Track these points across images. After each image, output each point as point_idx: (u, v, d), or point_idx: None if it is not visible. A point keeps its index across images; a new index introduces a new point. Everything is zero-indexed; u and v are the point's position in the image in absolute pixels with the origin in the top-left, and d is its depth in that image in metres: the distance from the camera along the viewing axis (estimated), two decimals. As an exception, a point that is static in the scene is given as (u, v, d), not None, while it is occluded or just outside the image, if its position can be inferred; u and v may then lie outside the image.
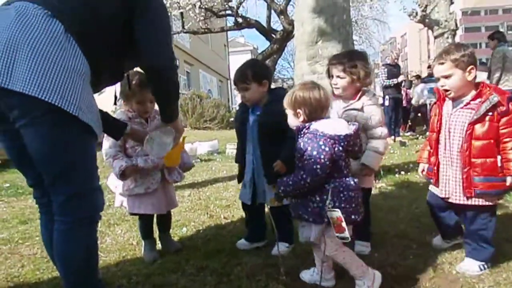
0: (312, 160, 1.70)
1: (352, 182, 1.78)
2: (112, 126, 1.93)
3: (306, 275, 2.02)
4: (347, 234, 1.74)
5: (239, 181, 2.50)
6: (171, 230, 2.64)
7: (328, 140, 1.72)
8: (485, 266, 1.98)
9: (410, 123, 9.47)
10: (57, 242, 1.47)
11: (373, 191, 3.62)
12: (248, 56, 34.36)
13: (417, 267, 2.06)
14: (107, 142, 2.19)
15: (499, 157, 1.90)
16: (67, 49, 1.32)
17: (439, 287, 1.84)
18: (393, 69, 7.76)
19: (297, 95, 1.81)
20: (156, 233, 2.52)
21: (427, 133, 2.18)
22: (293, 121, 1.86)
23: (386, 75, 7.62)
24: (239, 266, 2.17)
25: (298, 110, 1.81)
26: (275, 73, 12.58)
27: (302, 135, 1.79)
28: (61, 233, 1.46)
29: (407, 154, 5.97)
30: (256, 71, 2.26)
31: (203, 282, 2.01)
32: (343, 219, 1.74)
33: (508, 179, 1.89)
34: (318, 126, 1.76)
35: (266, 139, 2.24)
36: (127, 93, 2.20)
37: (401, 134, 8.41)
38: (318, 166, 1.69)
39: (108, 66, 1.56)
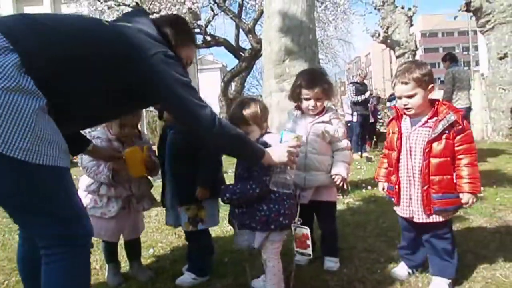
0: (263, 171, 1.79)
1: (291, 191, 1.88)
2: (75, 141, 1.83)
3: (258, 284, 2.05)
4: (309, 251, 1.78)
5: (163, 205, 2.36)
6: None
7: None
8: (452, 283, 2.00)
9: (375, 139, 9.74)
10: (46, 276, 1.34)
11: (341, 207, 3.67)
12: (217, 74, 34.45)
13: (385, 281, 2.08)
14: (85, 156, 2.10)
15: (455, 174, 1.95)
16: (18, 85, 1.21)
17: (406, 301, 1.87)
18: (360, 87, 8.03)
19: (262, 107, 1.99)
20: (121, 256, 2.42)
21: (385, 150, 2.22)
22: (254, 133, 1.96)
23: (354, 92, 7.88)
24: None
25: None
26: (244, 90, 12.63)
27: None
28: (50, 266, 1.33)
29: (373, 169, 6.12)
30: None
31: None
32: (309, 237, 1.76)
33: (460, 195, 1.93)
34: (267, 138, 1.91)
35: (177, 158, 2.18)
36: None
37: (367, 150, 8.62)
38: (268, 177, 1.78)
39: (81, 112, 1.47)
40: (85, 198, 2.18)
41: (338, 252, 2.38)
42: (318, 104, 2.30)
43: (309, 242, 1.79)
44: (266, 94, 4.41)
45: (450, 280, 1.99)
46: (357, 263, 2.34)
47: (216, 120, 1.55)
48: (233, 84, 13.62)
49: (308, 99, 2.30)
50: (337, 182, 2.28)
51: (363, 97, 7.87)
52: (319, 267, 2.30)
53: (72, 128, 1.57)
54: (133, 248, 2.40)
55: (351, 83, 8.52)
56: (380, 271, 2.21)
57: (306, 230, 1.80)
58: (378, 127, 9.50)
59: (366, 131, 8.46)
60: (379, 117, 9.54)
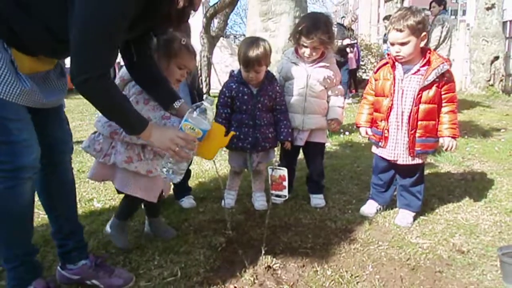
0: None
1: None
2: (165, 95, 1.62)
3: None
4: (285, 192, 1.84)
5: None
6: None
7: None
8: (415, 218, 2.19)
9: (354, 86, 9.73)
10: None
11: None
12: (199, 8, 32.80)
13: (355, 220, 2.20)
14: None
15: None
16: None
17: (373, 238, 2.00)
18: (345, 31, 7.75)
19: (269, 47, 2.20)
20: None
21: (368, 97, 2.27)
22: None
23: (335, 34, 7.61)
24: (187, 222, 2.19)
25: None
26: (227, 28, 12.14)
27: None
28: None
29: (352, 115, 6.20)
30: None
31: (149, 237, 2.01)
32: (286, 178, 1.80)
33: (441, 140, 2.08)
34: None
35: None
36: (168, 51, 1.79)
37: (349, 96, 8.64)
38: None
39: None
40: (126, 150, 1.71)
41: (323, 189, 2.51)
42: (314, 53, 2.29)
43: (285, 183, 1.84)
44: (250, 33, 4.27)
45: (414, 214, 2.21)
46: (330, 204, 2.45)
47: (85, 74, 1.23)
48: (215, 21, 13.04)
49: (305, 47, 2.28)
50: (333, 126, 2.39)
51: (344, 43, 7.58)
52: (294, 207, 2.40)
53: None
54: (155, 205, 2.02)
55: (338, 23, 8.23)
56: (351, 211, 2.33)
57: (283, 172, 1.85)
58: (360, 74, 9.44)
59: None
60: (361, 63, 9.45)
